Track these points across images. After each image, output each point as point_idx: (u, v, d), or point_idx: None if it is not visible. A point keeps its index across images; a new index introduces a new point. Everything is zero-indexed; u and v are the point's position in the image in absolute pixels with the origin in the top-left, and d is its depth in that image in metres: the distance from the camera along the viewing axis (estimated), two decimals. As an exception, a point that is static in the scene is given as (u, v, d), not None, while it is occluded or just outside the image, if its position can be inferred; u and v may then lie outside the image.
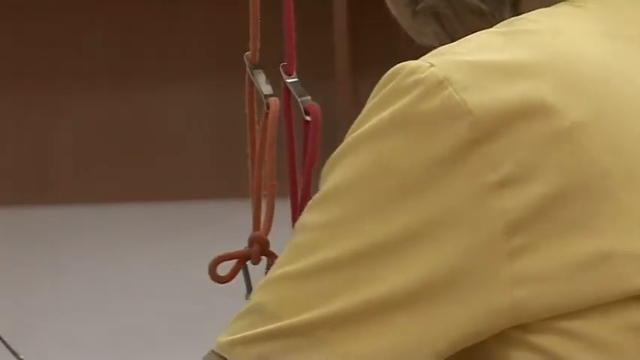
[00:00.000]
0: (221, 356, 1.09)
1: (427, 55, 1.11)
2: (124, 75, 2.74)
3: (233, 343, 1.09)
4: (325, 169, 1.13)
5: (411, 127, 1.06)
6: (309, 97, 1.34)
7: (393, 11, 1.34)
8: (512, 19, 1.19)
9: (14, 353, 1.64)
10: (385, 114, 1.08)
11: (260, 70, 1.37)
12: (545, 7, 1.19)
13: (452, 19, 1.29)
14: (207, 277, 1.26)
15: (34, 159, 2.70)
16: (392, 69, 1.10)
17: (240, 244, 1.38)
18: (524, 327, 1.07)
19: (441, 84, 1.05)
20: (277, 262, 1.15)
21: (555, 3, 1.20)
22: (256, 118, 1.39)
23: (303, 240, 1.12)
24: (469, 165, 1.05)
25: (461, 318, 1.06)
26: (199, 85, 2.75)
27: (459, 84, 1.06)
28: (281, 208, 1.33)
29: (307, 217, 1.13)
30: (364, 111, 1.11)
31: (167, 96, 2.48)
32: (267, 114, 1.36)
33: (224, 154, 2.99)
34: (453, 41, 1.19)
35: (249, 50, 1.37)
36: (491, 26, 1.17)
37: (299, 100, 1.32)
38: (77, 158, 2.74)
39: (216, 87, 2.75)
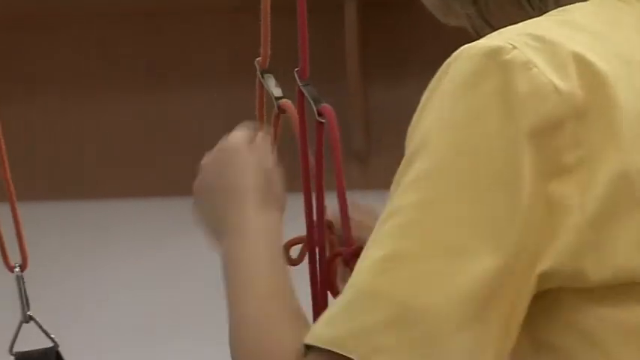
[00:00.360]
0: (334, 352, 1.06)
1: (498, 34, 1.11)
2: (150, 81, 2.78)
3: (346, 338, 1.08)
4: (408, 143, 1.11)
5: (500, 110, 1.06)
6: (321, 100, 1.34)
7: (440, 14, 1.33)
8: (563, 9, 1.19)
9: (47, 334, 1.77)
10: (471, 97, 1.09)
11: (270, 75, 1.39)
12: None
13: (490, 3, 1.27)
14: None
15: (72, 157, 2.72)
16: (462, 49, 1.10)
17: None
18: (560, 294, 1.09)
19: (525, 65, 1.06)
20: (379, 243, 1.12)
21: None
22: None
23: (402, 221, 1.09)
24: (555, 143, 1.06)
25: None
26: (216, 88, 2.79)
27: (543, 65, 1.06)
28: (293, 203, 1.33)
29: (402, 199, 1.10)
30: (441, 88, 1.10)
31: (187, 99, 2.49)
32: (277, 115, 1.38)
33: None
34: (487, 24, 1.24)
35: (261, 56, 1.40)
36: (529, 15, 1.18)
37: (312, 102, 1.33)
38: (109, 156, 2.77)
39: (231, 89, 2.79)
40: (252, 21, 1.45)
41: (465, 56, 1.08)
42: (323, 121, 1.32)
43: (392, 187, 1.11)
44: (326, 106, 1.31)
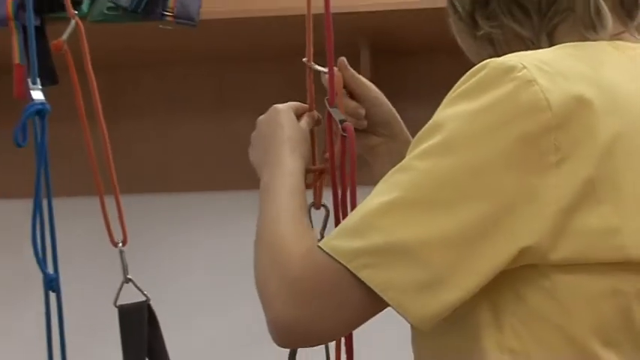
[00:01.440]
0: (334, 258, 1.19)
1: (515, 57, 1.22)
2: (222, 102, 2.88)
3: (346, 251, 1.20)
4: (428, 127, 1.23)
5: (505, 110, 1.17)
6: (345, 119, 1.56)
7: (458, 38, 1.46)
8: (570, 44, 1.30)
9: (141, 291, 1.93)
10: (487, 97, 1.19)
11: (335, 109, 1.57)
12: (576, 40, 1.31)
13: (502, 43, 1.37)
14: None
15: (159, 158, 2.81)
16: (488, 61, 1.22)
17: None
18: (538, 267, 1.19)
19: (530, 82, 1.17)
20: (386, 188, 1.23)
21: (583, 39, 1.32)
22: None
23: (411, 178, 1.20)
24: (541, 146, 1.17)
25: (517, 241, 1.16)
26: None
27: (543, 85, 1.17)
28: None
29: (415, 161, 1.21)
30: (464, 87, 1.22)
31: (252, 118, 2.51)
32: (342, 137, 1.54)
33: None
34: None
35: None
36: (528, 49, 1.31)
37: (338, 121, 1.55)
38: (191, 159, 2.82)
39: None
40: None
41: (488, 68, 1.20)
42: (345, 135, 1.53)
43: (410, 147, 1.25)
44: (347, 124, 1.53)
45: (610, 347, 1.21)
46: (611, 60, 1.28)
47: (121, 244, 1.94)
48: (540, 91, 1.17)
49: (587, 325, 1.20)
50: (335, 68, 1.59)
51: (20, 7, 1.90)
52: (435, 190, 1.18)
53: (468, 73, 1.22)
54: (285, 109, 1.59)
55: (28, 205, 1.79)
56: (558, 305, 1.20)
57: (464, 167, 1.18)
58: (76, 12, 1.90)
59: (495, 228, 1.16)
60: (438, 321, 1.19)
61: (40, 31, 2.26)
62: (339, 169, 1.58)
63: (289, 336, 1.30)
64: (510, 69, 1.18)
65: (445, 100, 1.24)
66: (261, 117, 1.61)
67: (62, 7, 1.91)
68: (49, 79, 1.79)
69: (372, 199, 1.21)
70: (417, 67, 2.84)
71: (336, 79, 1.58)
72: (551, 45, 1.31)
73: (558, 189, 1.16)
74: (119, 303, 1.93)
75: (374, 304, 1.19)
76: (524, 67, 1.18)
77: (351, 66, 1.65)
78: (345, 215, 1.57)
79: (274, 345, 1.72)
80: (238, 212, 2.58)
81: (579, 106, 1.18)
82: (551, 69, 1.20)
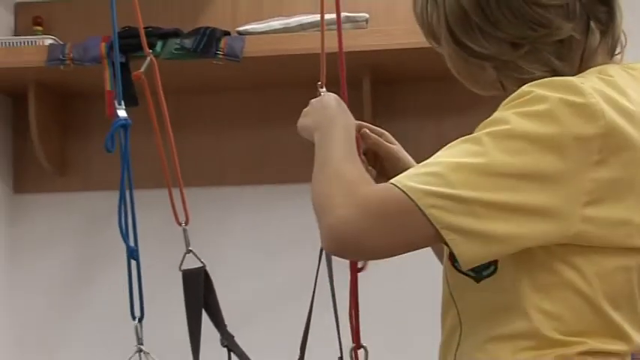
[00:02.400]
0: (406, 194, 1.13)
1: (581, 79, 1.16)
2: (259, 118, 2.87)
3: (418, 190, 1.12)
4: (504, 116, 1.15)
5: (574, 117, 1.12)
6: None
7: (455, 72, 1.34)
8: (598, 70, 1.23)
9: (199, 259, 1.91)
10: (566, 108, 1.12)
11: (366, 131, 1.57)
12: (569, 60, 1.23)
13: (501, 70, 1.27)
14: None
15: (213, 160, 2.76)
16: (569, 83, 1.15)
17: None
18: (569, 248, 1.16)
19: (595, 102, 1.12)
20: (457, 152, 1.16)
21: (580, 69, 1.23)
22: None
23: (486, 149, 1.14)
24: (592, 147, 1.13)
25: (558, 225, 1.13)
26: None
27: (600, 102, 1.13)
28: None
29: (483, 137, 1.15)
30: (532, 98, 1.14)
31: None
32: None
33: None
34: (502, 86, 1.28)
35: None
36: (525, 80, 1.21)
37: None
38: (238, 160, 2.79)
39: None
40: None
41: (569, 86, 1.14)
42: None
43: (480, 126, 1.18)
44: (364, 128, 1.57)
45: (616, 309, 1.20)
46: (628, 82, 1.22)
47: (184, 224, 1.93)
48: (600, 108, 1.13)
49: (602, 293, 1.18)
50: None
51: (110, 48, 1.93)
52: (501, 164, 1.12)
53: (524, 87, 1.17)
54: (332, 96, 1.54)
55: (115, 195, 1.81)
56: (582, 277, 1.18)
57: (527, 151, 1.12)
58: (151, 51, 1.95)
59: (544, 210, 1.13)
60: (477, 264, 1.17)
61: (124, 66, 2.29)
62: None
63: (343, 243, 1.19)
64: (582, 91, 1.13)
65: (509, 102, 1.18)
66: (314, 101, 1.55)
67: (141, 48, 1.96)
68: (131, 101, 1.82)
69: (443, 158, 1.16)
70: (406, 92, 2.80)
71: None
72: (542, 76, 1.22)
73: (592, 182, 1.13)
74: (183, 268, 1.92)
75: (429, 238, 1.16)
76: (590, 91, 1.14)
77: (354, 91, 1.68)
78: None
79: (299, 303, 1.81)
80: (274, 201, 2.63)
81: (621, 123, 1.14)
82: (601, 91, 1.16)
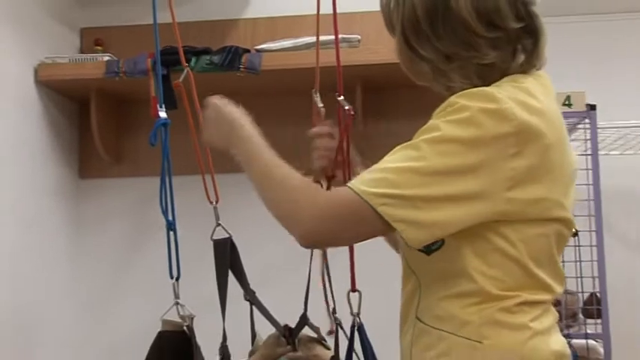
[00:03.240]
0: (360, 197, 1.14)
1: (497, 89, 1.16)
2: (276, 118, 2.78)
3: (370, 193, 1.13)
4: (434, 122, 1.17)
5: (491, 120, 1.13)
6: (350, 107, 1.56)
7: (400, 62, 1.32)
8: (512, 78, 1.22)
9: (226, 230, 1.90)
10: (483, 114, 1.13)
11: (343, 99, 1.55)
12: (487, 77, 1.22)
13: (454, 77, 1.25)
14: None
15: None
16: (487, 93, 1.15)
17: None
18: (499, 222, 1.17)
19: (508, 106, 1.13)
20: (402, 156, 1.16)
21: (491, 75, 1.22)
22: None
23: (423, 154, 1.14)
24: (508, 142, 1.13)
25: (487, 206, 1.14)
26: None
27: (512, 107, 1.13)
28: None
29: (427, 146, 1.14)
30: (458, 108, 1.14)
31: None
32: (350, 115, 1.52)
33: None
34: (448, 87, 1.26)
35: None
36: (449, 87, 1.24)
37: (345, 107, 1.55)
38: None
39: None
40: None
41: (484, 95, 1.15)
42: (353, 113, 1.54)
43: (418, 133, 1.18)
44: (350, 107, 1.55)
45: (539, 267, 1.22)
46: (536, 87, 1.22)
47: (214, 203, 1.93)
48: (513, 111, 1.14)
49: (527, 255, 1.20)
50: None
51: (154, 63, 1.93)
52: (436, 165, 1.13)
53: (454, 97, 1.17)
54: (223, 101, 1.48)
55: (158, 180, 1.80)
56: (510, 244, 1.19)
57: (456, 152, 1.13)
58: (187, 65, 1.96)
59: (473, 196, 1.14)
60: (424, 245, 1.18)
61: (166, 77, 2.31)
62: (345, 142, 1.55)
63: (315, 244, 1.28)
64: (496, 99, 1.14)
65: (440, 112, 1.18)
66: (208, 112, 1.48)
67: (179, 63, 1.97)
68: (171, 105, 1.83)
69: (389, 164, 1.16)
70: (390, 99, 2.79)
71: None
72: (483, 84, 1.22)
73: (512, 171, 1.14)
74: (213, 238, 1.92)
75: (383, 229, 1.17)
76: (503, 98, 1.15)
77: (348, 98, 1.61)
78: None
79: (307, 266, 1.83)
80: None
81: (531, 120, 1.15)
82: (514, 96, 1.16)
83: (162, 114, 1.73)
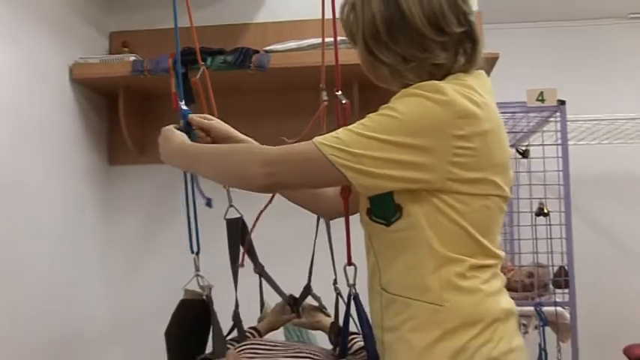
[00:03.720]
0: (317, 148, 1.19)
1: (443, 83, 1.19)
2: (278, 110, 2.79)
3: (325, 145, 1.19)
4: (390, 105, 1.20)
5: (438, 106, 1.15)
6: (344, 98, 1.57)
7: (363, 67, 1.35)
8: (455, 76, 1.24)
9: (237, 210, 1.89)
10: (431, 101, 1.15)
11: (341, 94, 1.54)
12: (439, 77, 1.23)
13: (407, 76, 1.27)
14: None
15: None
16: (434, 85, 1.17)
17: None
18: (447, 194, 1.19)
19: (451, 95, 1.16)
20: (359, 126, 1.19)
21: (445, 75, 1.24)
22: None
23: (374, 127, 1.17)
24: (452, 125, 1.15)
25: (429, 176, 1.16)
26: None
27: (455, 96, 1.16)
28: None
29: (380, 117, 1.18)
30: (411, 94, 1.17)
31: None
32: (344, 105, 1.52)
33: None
34: (396, 82, 1.28)
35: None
36: (406, 84, 1.24)
37: (342, 100, 1.56)
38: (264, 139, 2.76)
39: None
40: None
41: (428, 86, 1.18)
42: (345, 102, 1.54)
43: (378, 110, 1.21)
44: (347, 101, 1.55)
45: (483, 235, 1.23)
46: (474, 82, 1.24)
47: (227, 187, 1.91)
48: (455, 98, 1.16)
49: (472, 223, 1.21)
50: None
51: (175, 62, 1.92)
52: (384, 136, 1.16)
53: (412, 87, 1.20)
54: (169, 128, 1.51)
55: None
56: (459, 215, 1.21)
57: (406, 129, 1.16)
58: (204, 64, 1.95)
59: (417, 165, 1.16)
60: (372, 193, 1.22)
61: (185, 74, 2.30)
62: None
63: (270, 183, 1.26)
64: (441, 89, 1.17)
65: (397, 98, 1.21)
66: (161, 137, 1.50)
67: (197, 62, 1.95)
68: (189, 100, 1.82)
69: (349, 128, 1.20)
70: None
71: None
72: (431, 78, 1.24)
73: (456, 149, 1.16)
74: (226, 218, 1.91)
75: (335, 176, 1.19)
76: (444, 86, 1.17)
77: (346, 94, 1.60)
78: None
79: (321, 237, 1.82)
80: None
81: (471, 108, 1.18)
82: (457, 89, 1.19)
83: (184, 107, 1.70)
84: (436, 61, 1.23)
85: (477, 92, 1.21)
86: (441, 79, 1.23)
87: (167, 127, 1.50)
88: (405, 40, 1.22)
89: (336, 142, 1.19)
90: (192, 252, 1.79)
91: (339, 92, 1.58)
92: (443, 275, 1.19)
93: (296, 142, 1.30)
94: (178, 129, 1.55)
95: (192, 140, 1.56)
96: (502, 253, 1.26)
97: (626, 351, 4.25)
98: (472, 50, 1.27)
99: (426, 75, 1.23)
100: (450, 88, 1.17)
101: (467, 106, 1.16)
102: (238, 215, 1.90)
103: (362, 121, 1.21)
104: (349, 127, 1.21)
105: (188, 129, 1.61)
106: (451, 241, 1.20)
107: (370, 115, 1.21)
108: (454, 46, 1.24)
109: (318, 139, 1.21)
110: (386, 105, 1.21)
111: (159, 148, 1.49)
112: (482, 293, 1.19)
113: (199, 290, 1.75)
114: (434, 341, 1.17)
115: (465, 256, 1.20)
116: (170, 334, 1.74)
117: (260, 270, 1.96)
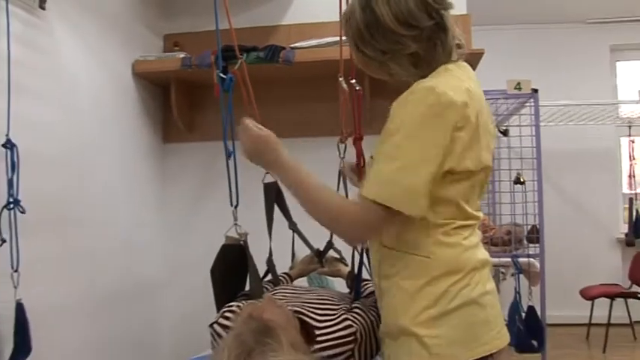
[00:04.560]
0: (373, 201, 1.11)
1: (430, 81, 1.13)
2: (302, 98, 2.74)
3: (378, 197, 1.11)
4: (393, 112, 1.14)
5: (435, 110, 1.10)
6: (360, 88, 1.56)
7: (359, 65, 1.29)
8: (443, 68, 1.19)
9: (273, 175, 1.80)
10: (427, 102, 1.10)
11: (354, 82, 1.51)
12: (429, 70, 1.18)
13: (396, 71, 1.22)
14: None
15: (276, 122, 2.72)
16: (418, 85, 1.12)
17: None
18: (445, 177, 1.15)
19: (445, 92, 1.11)
20: (385, 159, 1.12)
21: (436, 65, 1.19)
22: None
23: (402, 152, 1.11)
24: (450, 119, 1.11)
25: (443, 166, 1.12)
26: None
27: (450, 94, 1.11)
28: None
29: (393, 137, 1.11)
30: (409, 101, 1.11)
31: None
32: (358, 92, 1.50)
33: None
34: (399, 79, 1.22)
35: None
36: (392, 74, 1.22)
37: (357, 88, 1.55)
38: (290, 124, 2.72)
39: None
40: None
41: (420, 89, 1.12)
42: (358, 89, 1.54)
43: (382, 137, 1.13)
44: (360, 89, 1.54)
45: (467, 203, 1.20)
46: (461, 72, 1.20)
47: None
48: (449, 97, 1.11)
49: (460, 197, 1.18)
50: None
51: (217, 58, 1.91)
52: (414, 154, 1.11)
53: (411, 90, 1.13)
54: (249, 123, 1.33)
55: (219, 143, 1.78)
56: (450, 192, 1.17)
57: (422, 141, 1.11)
58: (242, 57, 1.91)
59: (440, 167, 1.12)
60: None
61: (225, 67, 2.26)
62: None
63: (357, 242, 1.29)
64: (433, 87, 1.12)
65: (400, 103, 1.13)
66: (243, 138, 1.31)
67: (234, 57, 1.91)
68: (227, 88, 1.80)
69: (379, 167, 1.12)
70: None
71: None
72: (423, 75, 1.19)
73: (461, 139, 1.12)
74: (264, 181, 1.84)
75: (392, 216, 1.12)
76: (438, 86, 1.12)
77: (359, 82, 1.56)
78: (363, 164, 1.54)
79: None
80: (309, 147, 2.50)
81: (465, 103, 1.13)
82: (451, 86, 1.13)
83: (223, 93, 1.67)
84: (408, 51, 1.19)
85: (464, 81, 1.17)
86: (430, 71, 1.19)
87: (249, 123, 1.32)
88: (381, 37, 1.20)
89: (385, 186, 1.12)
90: (232, 205, 1.77)
91: (354, 80, 1.55)
92: (431, 234, 1.17)
93: (342, 137, 1.29)
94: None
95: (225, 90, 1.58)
96: (480, 214, 1.24)
97: (582, 292, 4.31)
98: (445, 39, 1.21)
99: (409, 66, 1.20)
100: (444, 85, 1.12)
101: (458, 99, 1.12)
102: (274, 180, 1.86)
103: (384, 152, 1.13)
104: (379, 165, 1.13)
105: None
106: (444, 211, 1.18)
107: (389, 144, 1.13)
108: (428, 38, 1.19)
109: (367, 193, 1.12)
110: (394, 122, 1.14)
111: (243, 145, 1.31)
112: (463, 247, 1.18)
113: (237, 237, 1.73)
114: (422, 286, 1.16)
115: (450, 219, 1.18)
116: (214, 272, 1.73)
117: (293, 227, 1.94)
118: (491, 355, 1.16)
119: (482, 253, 1.23)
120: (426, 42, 1.19)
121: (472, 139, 1.14)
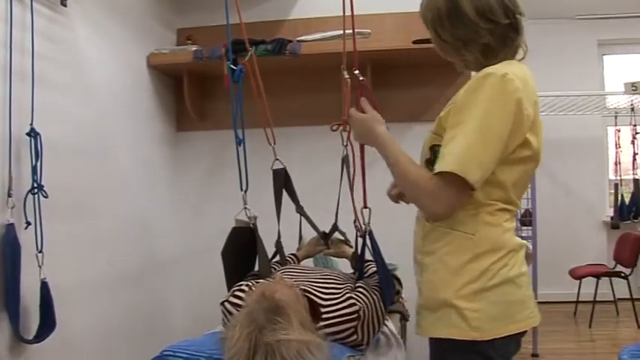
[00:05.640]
0: (453, 173, 1.11)
1: (502, 68, 1.14)
2: (308, 88, 2.74)
3: (458, 170, 1.11)
4: (465, 95, 1.14)
5: (504, 96, 1.11)
6: (364, 78, 1.49)
7: (437, 49, 1.30)
8: (508, 62, 1.20)
9: (281, 162, 1.86)
10: (498, 87, 1.11)
11: (358, 72, 1.48)
12: (493, 61, 1.19)
13: (470, 57, 1.24)
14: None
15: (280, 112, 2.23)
16: (489, 71, 1.13)
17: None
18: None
19: (513, 81, 1.12)
20: (462, 135, 1.12)
21: (498, 57, 1.21)
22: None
23: (475, 131, 1.11)
24: (518, 105, 1.12)
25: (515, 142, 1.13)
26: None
27: (517, 81, 1.13)
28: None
29: (464, 126, 1.12)
30: (483, 86, 1.12)
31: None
32: (362, 83, 1.44)
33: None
34: (467, 67, 1.25)
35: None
36: (465, 60, 1.23)
37: (359, 77, 1.49)
38: (296, 112, 2.30)
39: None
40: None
41: (491, 75, 1.13)
42: (362, 79, 1.47)
43: (452, 119, 1.14)
44: (364, 79, 1.47)
45: (514, 189, 1.20)
46: (521, 69, 1.20)
47: (273, 144, 1.89)
48: (518, 86, 1.12)
49: (510, 182, 1.18)
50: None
51: (227, 51, 1.90)
52: (483, 137, 1.11)
53: (480, 76, 1.14)
54: (352, 111, 1.37)
55: (230, 132, 1.76)
56: (503, 176, 1.17)
57: (494, 121, 1.11)
58: (251, 49, 1.90)
59: (507, 149, 1.13)
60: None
61: (235, 59, 2.24)
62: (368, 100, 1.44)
63: (439, 218, 1.18)
64: (504, 75, 1.12)
65: (471, 90, 1.14)
66: (354, 114, 1.36)
67: (245, 50, 1.91)
68: (236, 80, 1.79)
69: (452, 145, 1.12)
70: (392, 74, 2.67)
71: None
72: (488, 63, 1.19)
73: (524, 125, 1.13)
74: (273, 168, 1.89)
75: (469, 189, 1.13)
76: (508, 73, 1.12)
77: (362, 73, 1.54)
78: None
79: (345, 187, 1.75)
80: (315, 134, 2.52)
81: (528, 93, 1.14)
82: (518, 75, 1.14)
83: (232, 83, 1.66)
84: (482, 41, 1.21)
85: (524, 73, 1.18)
86: (494, 62, 1.19)
87: (352, 111, 1.37)
88: (460, 25, 1.22)
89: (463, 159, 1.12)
90: (242, 190, 1.76)
91: (357, 71, 1.54)
92: (476, 212, 1.17)
93: (337, 123, 1.28)
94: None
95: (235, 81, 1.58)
96: (520, 203, 1.25)
97: (571, 272, 4.32)
98: (515, 39, 1.24)
99: (479, 54, 1.22)
100: (512, 73, 1.13)
101: (521, 86, 1.13)
102: (282, 166, 1.89)
103: (461, 129, 1.13)
104: (456, 139, 1.13)
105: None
106: (492, 192, 1.17)
107: (465, 124, 1.13)
108: (501, 34, 1.21)
109: (446, 166, 1.12)
110: (465, 103, 1.14)
111: (355, 129, 1.35)
112: (503, 228, 1.18)
113: (247, 220, 1.74)
114: (465, 262, 1.16)
115: (496, 201, 1.18)
116: (225, 254, 1.73)
117: (300, 210, 1.95)
118: (521, 333, 1.18)
119: (518, 238, 1.24)
120: (498, 37, 1.21)
121: (533, 127, 1.15)
